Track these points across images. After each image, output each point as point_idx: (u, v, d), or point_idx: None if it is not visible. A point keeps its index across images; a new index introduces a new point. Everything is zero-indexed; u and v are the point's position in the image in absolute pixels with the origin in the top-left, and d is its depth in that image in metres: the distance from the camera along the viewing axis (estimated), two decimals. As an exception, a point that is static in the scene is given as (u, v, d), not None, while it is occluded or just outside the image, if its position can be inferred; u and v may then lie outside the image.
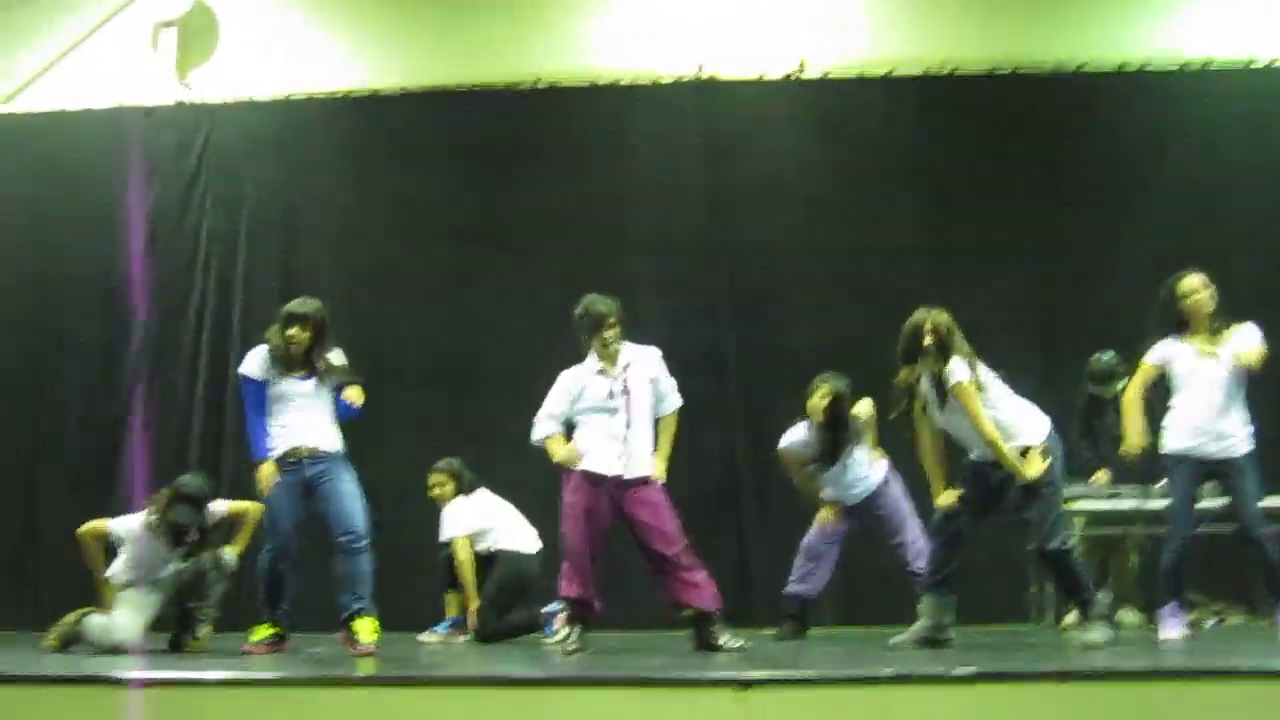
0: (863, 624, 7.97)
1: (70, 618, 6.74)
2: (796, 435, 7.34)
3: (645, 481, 6.29)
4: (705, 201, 9.39)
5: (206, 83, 9.98)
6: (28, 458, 9.55)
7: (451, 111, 9.68)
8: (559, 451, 6.33)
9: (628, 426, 6.29)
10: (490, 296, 9.32)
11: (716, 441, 9.00)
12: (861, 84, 9.46)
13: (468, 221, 9.49)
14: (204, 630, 6.78)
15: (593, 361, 6.44)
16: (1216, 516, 6.66)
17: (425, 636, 7.67)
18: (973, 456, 6.13)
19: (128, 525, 6.85)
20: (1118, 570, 7.98)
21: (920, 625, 6.23)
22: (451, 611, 7.80)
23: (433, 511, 7.92)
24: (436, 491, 7.91)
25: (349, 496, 6.32)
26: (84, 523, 6.93)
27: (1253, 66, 9.30)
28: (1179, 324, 6.39)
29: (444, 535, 7.81)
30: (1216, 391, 6.27)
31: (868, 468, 7.29)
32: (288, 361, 6.38)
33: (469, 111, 9.66)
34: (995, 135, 9.26)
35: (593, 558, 6.28)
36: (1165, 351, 6.42)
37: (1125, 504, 7.70)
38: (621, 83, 9.60)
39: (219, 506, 6.92)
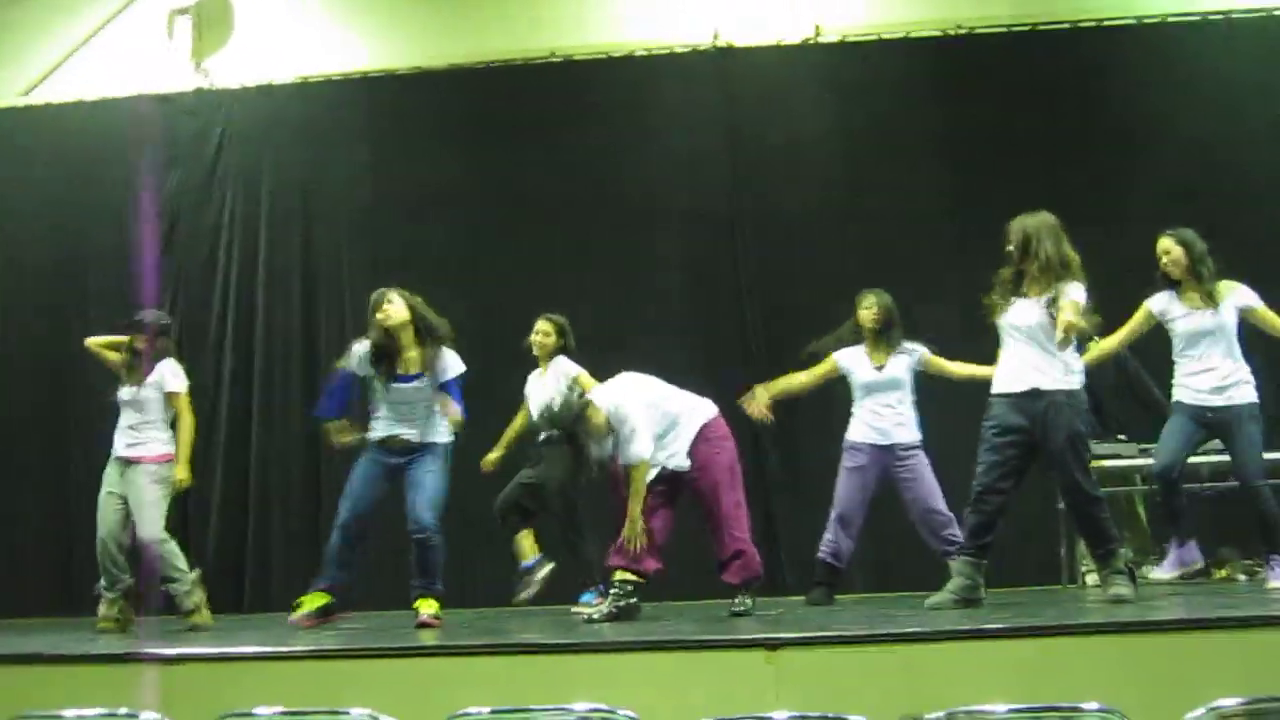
0: (892, 591, 7.95)
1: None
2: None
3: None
4: (726, 170, 9.34)
5: (223, 69, 9.99)
6: (54, 443, 9.61)
7: (467, 88, 9.67)
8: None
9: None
10: (511, 274, 9.26)
11: (741, 413, 8.95)
12: (879, 47, 9.36)
13: (486, 199, 9.46)
14: (192, 599, 6.94)
15: None
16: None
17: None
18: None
19: None
20: (1131, 525, 7.94)
21: (956, 585, 6.08)
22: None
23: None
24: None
25: (422, 487, 6.54)
26: None
27: (1275, 14, 9.12)
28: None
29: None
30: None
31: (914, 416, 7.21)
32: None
33: (485, 88, 9.63)
34: (1016, 94, 9.09)
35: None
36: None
37: (1126, 461, 7.67)
38: (637, 54, 9.55)
39: (174, 377, 7.14)
